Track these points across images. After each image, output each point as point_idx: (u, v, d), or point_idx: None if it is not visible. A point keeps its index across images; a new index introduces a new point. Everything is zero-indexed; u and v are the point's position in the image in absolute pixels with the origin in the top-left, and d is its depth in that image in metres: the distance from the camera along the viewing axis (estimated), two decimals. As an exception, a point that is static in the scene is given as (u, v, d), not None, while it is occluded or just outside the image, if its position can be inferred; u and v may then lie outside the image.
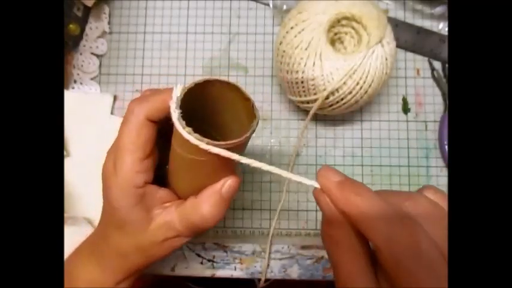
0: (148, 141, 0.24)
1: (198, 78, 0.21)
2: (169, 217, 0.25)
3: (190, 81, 0.40)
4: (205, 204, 0.24)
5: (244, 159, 0.21)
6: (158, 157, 0.25)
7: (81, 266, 0.28)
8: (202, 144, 0.20)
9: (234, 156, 0.20)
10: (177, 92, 0.21)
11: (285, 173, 0.21)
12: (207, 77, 0.21)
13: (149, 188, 0.25)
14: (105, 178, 0.25)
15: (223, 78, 0.21)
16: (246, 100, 0.22)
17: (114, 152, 0.24)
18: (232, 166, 0.24)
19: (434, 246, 0.17)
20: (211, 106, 0.24)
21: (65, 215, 0.34)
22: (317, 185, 0.21)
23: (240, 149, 0.22)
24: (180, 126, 0.20)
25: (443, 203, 0.19)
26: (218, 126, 0.26)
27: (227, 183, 0.24)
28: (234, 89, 0.22)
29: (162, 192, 0.25)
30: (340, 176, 0.20)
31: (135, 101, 0.24)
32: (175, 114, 0.20)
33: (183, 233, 0.25)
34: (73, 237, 0.32)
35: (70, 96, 0.38)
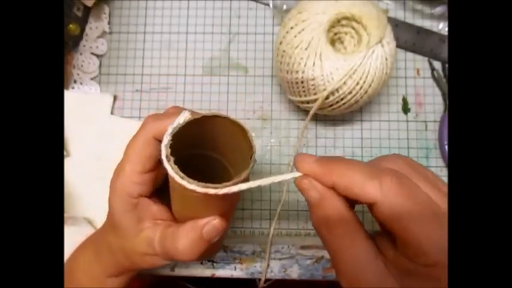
0: (150, 158, 0.24)
1: (197, 114, 0.22)
2: (152, 235, 0.25)
3: (190, 81, 0.41)
4: (183, 239, 0.23)
5: (225, 190, 0.20)
6: (164, 174, 0.25)
7: (82, 256, 0.29)
8: (188, 185, 0.19)
9: (221, 191, 0.20)
10: (170, 130, 0.21)
11: (264, 181, 0.21)
12: (204, 113, 0.22)
13: (143, 200, 0.25)
14: (111, 179, 0.25)
15: (222, 114, 0.22)
16: (246, 134, 0.22)
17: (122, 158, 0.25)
18: (224, 203, 0.24)
19: (426, 192, 0.18)
20: (212, 133, 0.24)
21: (65, 215, 0.35)
22: (298, 174, 0.21)
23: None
24: (168, 167, 0.20)
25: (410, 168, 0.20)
26: (219, 149, 0.26)
27: (211, 223, 0.23)
28: (234, 123, 0.22)
29: (155, 208, 0.25)
30: (315, 156, 0.21)
31: (151, 117, 0.25)
32: (163, 152, 0.20)
33: (160, 255, 0.25)
34: (73, 237, 0.32)
35: (70, 96, 0.38)
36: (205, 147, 0.25)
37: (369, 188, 0.18)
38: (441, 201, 0.18)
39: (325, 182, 0.20)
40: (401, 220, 0.17)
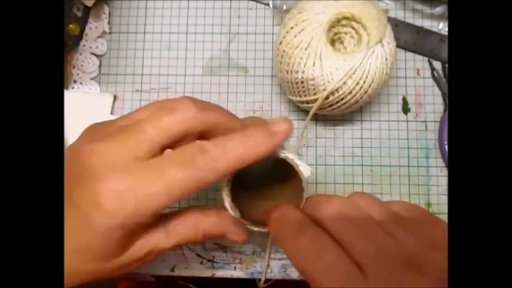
0: None
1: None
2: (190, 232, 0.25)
3: (190, 81, 0.41)
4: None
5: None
6: None
7: None
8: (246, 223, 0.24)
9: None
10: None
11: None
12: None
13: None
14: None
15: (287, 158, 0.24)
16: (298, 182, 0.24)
17: None
18: None
19: (335, 248, 0.17)
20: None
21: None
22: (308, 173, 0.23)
23: None
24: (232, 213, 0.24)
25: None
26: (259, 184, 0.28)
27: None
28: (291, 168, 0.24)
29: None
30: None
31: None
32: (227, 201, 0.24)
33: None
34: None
35: (70, 96, 0.38)
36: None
37: (283, 247, 0.20)
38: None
39: None
40: (304, 277, 0.18)
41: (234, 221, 0.25)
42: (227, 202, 0.24)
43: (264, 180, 0.28)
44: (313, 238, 0.18)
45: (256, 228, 0.24)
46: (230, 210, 0.24)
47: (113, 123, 0.23)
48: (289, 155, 0.24)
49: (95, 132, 0.23)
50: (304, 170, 0.24)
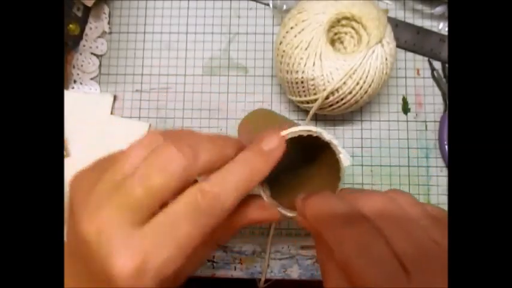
0: None
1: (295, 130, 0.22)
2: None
3: (190, 81, 0.40)
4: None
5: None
6: None
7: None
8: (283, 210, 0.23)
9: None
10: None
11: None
12: (301, 130, 0.22)
13: None
14: None
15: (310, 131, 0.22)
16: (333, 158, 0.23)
17: None
18: None
19: (384, 244, 0.17)
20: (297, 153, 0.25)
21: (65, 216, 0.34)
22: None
23: None
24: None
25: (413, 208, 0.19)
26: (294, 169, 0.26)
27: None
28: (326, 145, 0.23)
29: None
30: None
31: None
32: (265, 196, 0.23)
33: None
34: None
35: (70, 96, 0.38)
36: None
37: (328, 238, 0.19)
38: (440, 236, 0.17)
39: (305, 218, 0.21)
40: (348, 271, 0.17)
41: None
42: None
43: (294, 163, 0.26)
44: (363, 230, 0.18)
45: (289, 214, 0.23)
46: (261, 192, 0.22)
47: (104, 177, 0.20)
48: (334, 140, 0.22)
49: (88, 190, 0.20)
50: (345, 158, 0.22)
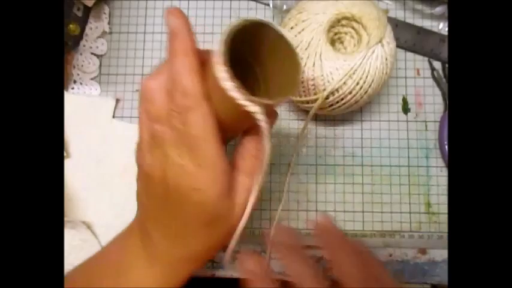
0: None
1: (238, 21, 0.21)
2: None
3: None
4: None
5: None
6: None
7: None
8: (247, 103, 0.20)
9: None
10: (224, 37, 0.21)
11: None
12: (252, 20, 0.21)
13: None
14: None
15: (269, 22, 0.21)
16: (289, 48, 0.21)
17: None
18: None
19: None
20: (252, 41, 0.23)
21: (64, 218, 0.34)
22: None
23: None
24: (230, 87, 0.20)
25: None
26: (258, 58, 0.25)
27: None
28: (279, 36, 0.21)
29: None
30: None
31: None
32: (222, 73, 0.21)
33: None
34: (72, 241, 0.32)
35: (72, 98, 0.38)
36: (243, 52, 0.24)
37: None
38: None
39: None
40: None
41: None
42: (222, 71, 0.21)
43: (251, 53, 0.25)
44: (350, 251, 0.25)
45: (265, 101, 0.21)
46: (225, 82, 0.20)
47: None
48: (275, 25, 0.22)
49: None
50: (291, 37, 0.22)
